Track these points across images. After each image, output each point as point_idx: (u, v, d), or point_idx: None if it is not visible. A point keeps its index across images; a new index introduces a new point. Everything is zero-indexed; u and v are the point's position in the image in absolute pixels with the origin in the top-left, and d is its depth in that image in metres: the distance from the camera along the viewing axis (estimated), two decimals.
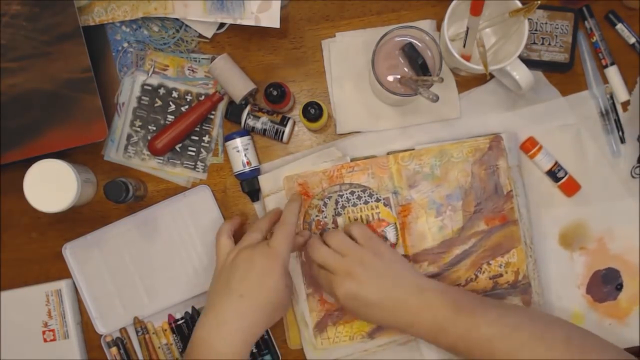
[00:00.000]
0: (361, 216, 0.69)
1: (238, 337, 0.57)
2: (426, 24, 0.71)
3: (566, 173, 0.70)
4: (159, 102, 0.73)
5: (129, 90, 0.73)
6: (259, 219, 0.67)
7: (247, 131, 0.71)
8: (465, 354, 0.58)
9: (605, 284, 0.71)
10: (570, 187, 0.70)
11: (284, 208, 0.66)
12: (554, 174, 0.70)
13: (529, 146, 0.70)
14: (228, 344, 0.57)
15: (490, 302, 0.61)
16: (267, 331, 0.72)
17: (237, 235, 0.66)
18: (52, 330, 0.72)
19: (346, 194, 0.69)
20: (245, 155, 0.70)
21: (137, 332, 0.73)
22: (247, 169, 0.70)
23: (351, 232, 0.64)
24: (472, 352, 0.57)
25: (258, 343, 0.72)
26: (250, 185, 0.71)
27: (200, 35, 0.73)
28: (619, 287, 0.71)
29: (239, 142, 0.69)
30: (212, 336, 0.57)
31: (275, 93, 0.66)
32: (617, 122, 0.71)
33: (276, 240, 0.61)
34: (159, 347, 0.73)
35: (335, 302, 0.67)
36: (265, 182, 0.70)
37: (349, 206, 0.69)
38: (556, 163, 0.70)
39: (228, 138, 0.70)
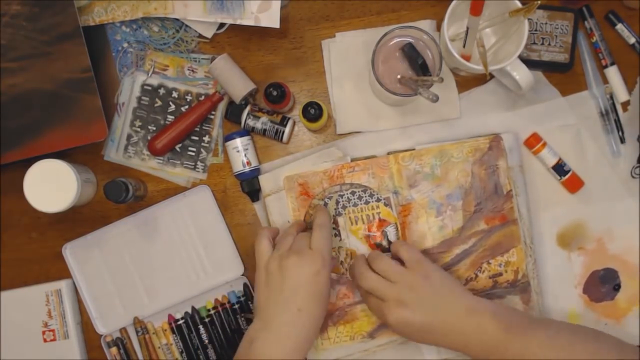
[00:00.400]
0: (362, 216, 0.69)
1: (298, 352, 0.58)
2: (426, 24, 0.71)
3: (570, 168, 0.70)
4: (159, 102, 0.73)
5: (129, 90, 0.73)
6: (287, 228, 0.66)
7: (247, 131, 0.71)
8: None
9: (603, 284, 0.71)
10: (574, 183, 0.70)
11: (314, 213, 0.66)
12: (561, 167, 0.70)
13: (534, 142, 0.70)
14: (290, 358, 0.58)
15: (542, 321, 0.61)
16: None
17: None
18: (52, 330, 0.72)
19: (347, 194, 0.69)
20: (245, 155, 0.70)
21: (137, 332, 0.73)
22: (247, 169, 0.70)
23: (399, 254, 0.64)
24: None
25: None
26: (250, 185, 0.71)
27: (200, 35, 0.73)
28: (617, 288, 0.71)
29: (239, 142, 0.69)
30: (274, 352, 0.57)
31: (275, 93, 0.66)
32: (617, 122, 0.71)
33: (318, 242, 0.61)
34: (159, 347, 0.73)
35: (336, 296, 0.67)
36: (265, 182, 0.70)
37: (349, 206, 0.69)
38: (561, 158, 0.70)
39: (228, 138, 0.70)
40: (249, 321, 0.72)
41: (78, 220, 0.73)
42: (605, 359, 0.56)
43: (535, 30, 0.70)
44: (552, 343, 0.57)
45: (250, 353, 0.57)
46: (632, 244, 0.71)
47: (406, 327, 0.60)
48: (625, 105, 0.72)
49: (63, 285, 0.72)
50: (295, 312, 0.58)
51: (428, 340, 0.61)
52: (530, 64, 0.67)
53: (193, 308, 0.73)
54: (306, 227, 0.68)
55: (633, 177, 0.71)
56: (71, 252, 0.73)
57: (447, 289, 0.61)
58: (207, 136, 0.73)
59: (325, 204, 0.69)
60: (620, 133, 0.71)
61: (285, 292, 0.59)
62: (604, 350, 0.57)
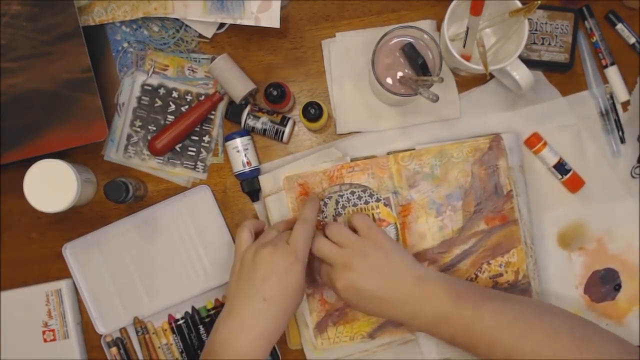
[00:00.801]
0: None
1: (262, 341, 0.57)
2: (426, 24, 0.71)
3: (571, 168, 0.70)
4: (159, 102, 0.73)
5: (129, 90, 0.73)
6: (276, 223, 0.66)
7: (247, 131, 0.71)
8: (467, 345, 0.58)
9: (603, 284, 0.71)
10: (575, 183, 0.70)
11: (302, 206, 0.65)
12: (562, 166, 0.70)
13: (534, 141, 0.70)
14: (252, 348, 0.57)
15: (492, 292, 0.61)
16: None
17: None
18: (52, 330, 0.72)
19: (346, 194, 0.69)
20: (245, 155, 0.69)
21: (137, 332, 0.73)
22: (247, 169, 0.70)
23: (352, 222, 0.63)
24: (474, 342, 0.57)
25: None
26: (250, 185, 0.71)
27: (200, 35, 0.73)
28: (618, 288, 0.71)
29: (239, 142, 0.69)
30: (236, 339, 0.57)
31: (275, 93, 0.66)
32: (617, 122, 0.71)
33: (295, 238, 0.60)
34: (159, 347, 0.73)
35: (336, 296, 0.66)
36: (265, 182, 0.70)
37: (349, 206, 0.69)
38: (562, 158, 0.70)
39: (228, 138, 0.70)
40: None
41: (78, 220, 0.73)
42: (555, 327, 0.56)
43: (535, 30, 0.70)
44: (502, 311, 0.57)
45: (215, 340, 0.58)
46: (632, 244, 0.71)
47: (354, 292, 0.59)
48: (625, 105, 0.72)
49: (63, 285, 0.72)
50: (261, 301, 0.58)
51: (375, 310, 0.60)
52: (530, 64, 0.67)
53: (193, 308, 0.73)
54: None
55: (633, 177, 0.71)
56: (71, 252, 0.73)
57: (398, 257, 0.61)
58: (207, 136, 0.73)
59: (325, 204, 0.69)
60: (620, 133, 0.71)
61: (254, 282, 0.58)
62: (556, 320, 0.57)
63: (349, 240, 0.61)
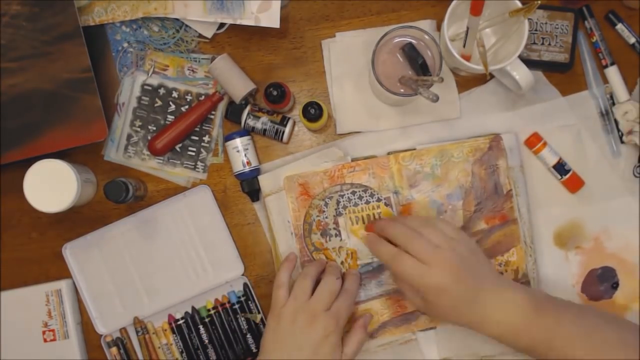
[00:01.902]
0: (362, 216, 0.69)
1: None
2: (426, 24, 0.71)
3: (571, 168, 0.70)
4: (159, 102, 0.73)
5: (129, 90, 0.73)
6: (308, 266, 0.66)
7: (247, 131, 0.71)
8: (543, 354, 0.57)
9: (601, 283, 0.71)
10: (575, 183, 0.70)
11: (346, 276, 0.66)
12: (562, 166, 0.70)
13: (534, 141, 0.70)
14: None
15: (565, 301, 0.61)
16: None
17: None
18: (52, 330, 0.72)
19: (347, 194, 0.69)
20: (245, 155, 0.69)
21: (137, 332, 0.73)
22: (247, 169, 0.70)
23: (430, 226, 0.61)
24: (552, 350, 0.57)
25: (258, 343, 0.72)
26: (250, 185, 0.71)
27: (200, 35, 0.73)
28: (615, 286, 0.71)
29: (238, 142, 0.69)
30: None
31: (275, 93, 0.66)
32: (617, 122, 0.71)
33: (338, 306, 0.62)
34: (159, 347, 0.73)
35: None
36: (265, 182, 0.70)
37: (350, 206, 0.69)
38: (561, 158, 0.70)
39: (228, 138, 0.70)
40: (248, 321, 0.72)
41: (78, 220, 0.73)
42: (627, 339, 0.56)
43: (535, 30, 0.70)
44: (579, 321, 0.57)
45: None
46: (629, 242, 0.71)
47: (442, 293, 0.58)
48: None
49: (63, 285, 0.72)
50: None
51: (455, 314, 0.59)
52: (530, 64, 0.67)
53: (193, 308, 0.73)
54: (325, 263, 0.68)
55: (635, 176, 0.71)
56: (71, 252, 0.73)
57: (480, 257, 0.61)
58: (207, 136, 0.73)
59: (326, 204, 0.69)
60: (620, 133, 0.71)
61: (290, 345, 0.60)
62: (627, 332, 0.57)
63: (442, 238, 0.60)
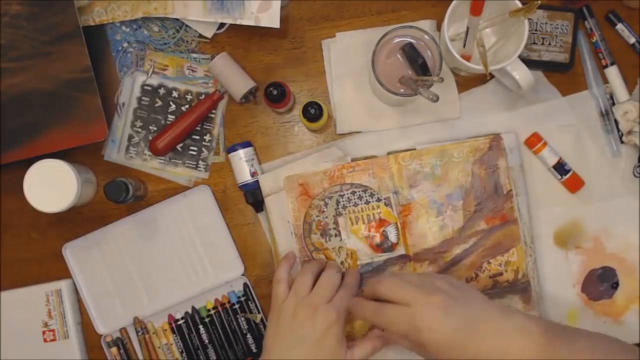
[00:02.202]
0: (362, 216, 0.69)
1: None
2: (426, 24, 0.71)
3: (571, 168, 0.70)
4: (159, 102, 0.73)
5: (129, 90, 0.73)
6: (308, 263, 0.66)
7: (250, 142, 0.71)
8: None
9: (601, 283, 0.71)
10: (575, 183, 0.70)
11: (346, 273, 0.66)
12: (562, 166, 0.70)
13: (534, 141, 0.70)
14: None
15: (574, 328, 0.58)
16: None
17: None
18: (52, 330, 0.72)
19: (347, 194, 0.69)
20: (252, 165, 0.70)
21: (137, 332, 0.73)
22: (251, 179, 0.70)
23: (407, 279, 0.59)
24: None
25: (259, 343, 0.72)
26: (254, 196, 0.70)
27: (200, 35, 0.73)
28: (615, 286, 0.71)
29: (242, 154, 0.69)
30: None
31: (275, 92, 0.66)
32: (617, 122, 0.71)
33: (339, 299, 0.61)
34: (159, 347, 0.73)
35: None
36: (265, 182, 0.70)
37: (350, 206, 0.69)
38: (561, 157, 0.70)
39: (231, 149, 0.70)
40: (248, 321, 0.72)
41: (78, 220, 0.73)
42: None
43: (535, 30, 0.70)
44: (594, 350, 0.53)
45: None
46: (629, 242, 0.71)
47: (433, 332, 0.54)
48: None
49: (63, 285, 0.72)
50: None
51: (455, 352, 0.54)
52: (530, 64, 0.67)
53: (193, 308, 0.73)
54: (325, 262, 0.68)
55: (635, 176, 0.71)
56: (71, 252, 0.73)
57: (476, 294, 0.58)
58: (208, 135, 0.73)
59: (326, 204, 0.69)
60: (620, 133, 0.71)
61: (292, 339, 0.59)
62: (633, 351, 0.55)
63: (424, 282, 0.57)
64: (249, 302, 0.72)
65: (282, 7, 0.69)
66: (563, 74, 0.72)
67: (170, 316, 0.73)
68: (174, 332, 0.73)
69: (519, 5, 0.63)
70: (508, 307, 0.57)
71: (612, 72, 0.71)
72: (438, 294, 0.55)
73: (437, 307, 0.54)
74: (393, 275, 0.62)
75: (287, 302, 0.62)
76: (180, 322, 0.73)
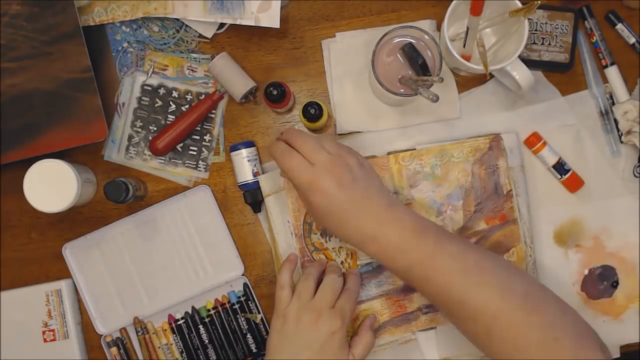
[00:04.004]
0: None
1: None
2: (426, 24, 0.71)
3: (570, 168, 0.70)
4: (159, 102, 0.73)
5: (129, 90, 0.73)
6: (309, 268, 0.66)
7: (252, 142, 0.71)
8: (418, 282, 0.57)
9: (600, 282, 0.71)
10: (575, 182, 0.70)
11: (347, 275, 0.66)
12: (562, 166, 0.70)
13: (534, 140, 0.70)
14: None
15: (456, 236, 0.61)
16: (267, 330, 0.72)
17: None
18: (52, 330, 0.72)
19: None
20: (255, 165, 0.70)
21: (137, 332, 0.73)
22: (252, 179, 0.70)
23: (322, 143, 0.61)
24: (427, 279, 0.56)
25: (259, 343, 0.72)
26: (253, 196, 0.70)
27: (200, 36, 0.73)
28: (615, 285, 0.71)
29: (245, 153, 0.69)
30: None
31: (275, 92, 0.66)
32: (617, 121, 0.71)
33: (342, 303, 0.62)
34: (159, 347, 0.73)
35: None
36: (265, 182, 0.70)
37: None
38: (561, 157, 0.70)
39: (234, 148, 0.70)
40: (248, 321, 0.72)
41: (78, 220, 0.73)
42: (510, 285, 0.55)
43: (535, 30, 0.70)
44: (463, 255, 0.56)
45: None
46: (629, 241, 0.71)
47: (324, 197, 0.57)
48: None
49: (63, 285, 0.72)
50: None
51: (337, 224, 0.58)
52: (530, 64, 0.67)
53: (193, 308, 0.73)
54: (325, 263, 0.68)
55: (635, 176, 0.71)
56: (71, 252, 0.73)
57: (373, 173, 0.61)
58: (208, 135, 0.73)
59: None
60: (619, 133, 0.71)
61: (296, 344, 0.60)
62: (513, 279, 0.56)
63: (321, 156, 0.58)
64: (249, 302, 0.72)
65: (282, 7, 0.69)
66: (563, 74, 0.72)
67: (170, 316, 0.73)
68: (174, 332, 0.73)
69: (519, 5, 0.63)
70: (399, 202, 0.59)
71: (612, 72, 0.71)
72: (342, 168, 0.57)
73: (336, 179, 0.57)
74: (314, 136, 0.62)
75: (291, 306, 0.62)
76: (180, 322, 0.73)
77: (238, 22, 0.69)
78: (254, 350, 0.72)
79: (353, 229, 0.58)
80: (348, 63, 0.72)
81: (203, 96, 0.72)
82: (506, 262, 0.60)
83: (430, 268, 0.56)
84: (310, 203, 0.58)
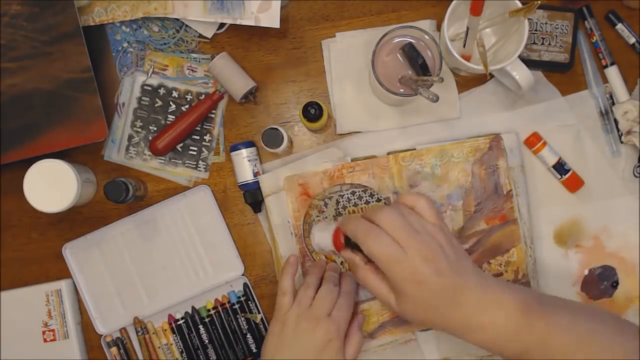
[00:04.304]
0: None
1: None
2: (426, 24, 0.71)
3: (570, 168, 0.70)
4: (159, 102, 0.73)
5: (129, 90, 0.73)
6: (310, 276, 0.65)
7: (253, 142, 0.71)
8: None
9: (601, 282, 0.71)
10: (575, 182, 0.70)
11: (341, 279, 0.66)
12: (562, 166, 0.70)
13: (534, 140, 0.70)
14: None
15: (556, 300, 0.56)
16: (267, 330, 0.72)
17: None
18: (52, 330, 0.72)
19: (347, 194, 0.69)
20: (255, 165, 0.70)
21: (137, 332, 0.73)
22: (253, 179, 0.70)
23: (408, 202, 0.57)
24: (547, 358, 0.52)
25: (259, 343, 0.72)
26: (253, 196, 0.70)
27: (200, 36, 0.73)
28: (615, 285, 0.71)
29: (245, 153, 0.69)
30: None
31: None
32: (617, 121, 0.71)
33: (338, 311, 0.62)
34: (159, 347, 0.73)
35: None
36: (265, 182, 0.70)
37: (350, 206, 0.69)
38: (561, 157, 0.70)
39: (234, 148, 0.70)
40: (248, 321, 0.72)
41: (78, 220, 0.73)
42: (624, 344, 0.52)
43: (535, 30, 0.70)
44: (575, 328, 0.52)
45: None
46: (629, 241, 0.71)
47: (420, 285, 0.52)
48: None
49: (63, 285, 0.72)
50: None
51: (433, 315, 0.53)
52: (530, 64, 0.67)
53: (193, 308, 0.73)
54: (325, 265, 0.68)
55: (635, 176, 0.71)
56: (71, 252, 0.73)
57: (461, 250, 0.56)
58: (208, 135, 0.73)
59: (326, 204, 0.69)
60: (619, 133, 0.71)
61: (293, 351, 0.60)
62: (625, 336, 0.53)
63: (419, 226, 0.54)
64: (249, 302, 0.72)
65: (282, 7, 0.69)
66: (563, 74, 0.72)
67: (170, 316, 0.73)
68: (174, 332, 0.73)
69: (519, 5, 0.63)
70: (491, 278, 0.55)
71: (612, 72, 0.71)
72: (438, 253, 0.53)
73: (434, 266, 0.52)
74: (395, 207, 0.56)
75: (291, 312, 0.62)
76: (180, 322, 0.73)
77: (238, 22, 0.69)
78: (254, 350, 0.72)
79: (458, 320, 0.53)
80: (348, 63, 0.72)
81: (203, 96, 0.72)
82: (607, 315, 0.56)
83: (550, 348, 0.51)
84: (406, 294, 0.54)
